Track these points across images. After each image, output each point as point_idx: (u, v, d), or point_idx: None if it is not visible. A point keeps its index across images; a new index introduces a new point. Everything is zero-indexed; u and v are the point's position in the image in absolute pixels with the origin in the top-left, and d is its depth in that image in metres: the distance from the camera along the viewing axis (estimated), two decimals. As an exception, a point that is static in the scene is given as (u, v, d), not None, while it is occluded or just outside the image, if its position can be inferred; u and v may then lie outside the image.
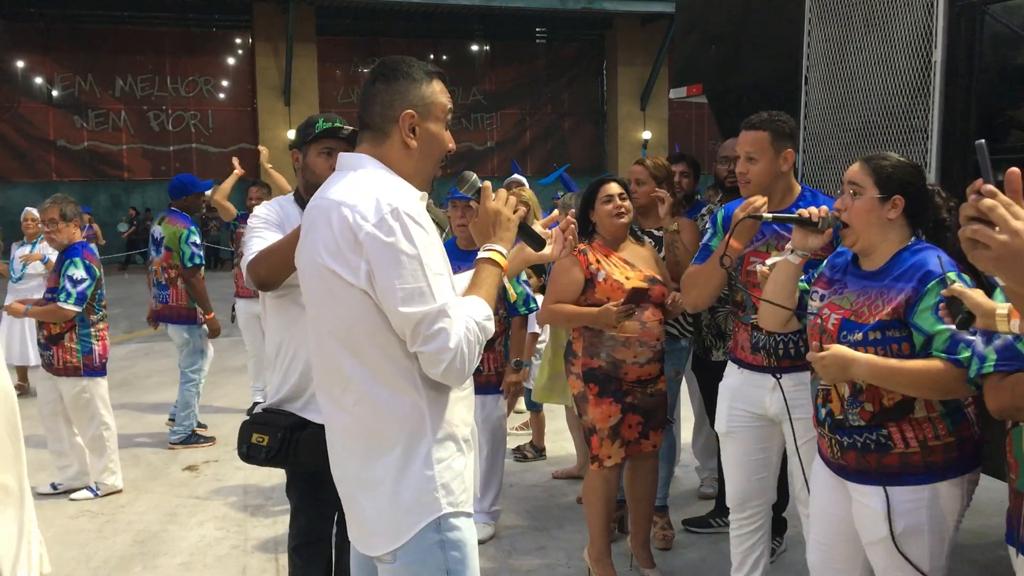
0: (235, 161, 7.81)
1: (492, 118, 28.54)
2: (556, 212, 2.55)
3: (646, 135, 27.61)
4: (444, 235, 5.04)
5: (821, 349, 2.45)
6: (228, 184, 7.65)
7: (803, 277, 2.83)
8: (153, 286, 6.73)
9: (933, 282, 2.39)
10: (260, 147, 7.00)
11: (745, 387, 3.36)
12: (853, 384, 2.51)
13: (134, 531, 4.91)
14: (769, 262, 2.82)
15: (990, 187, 1.20)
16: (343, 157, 2.11)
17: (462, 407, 2.08)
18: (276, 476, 5.20)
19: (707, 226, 3.54)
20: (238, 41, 27.13)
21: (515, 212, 2.19)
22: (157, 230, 6.68)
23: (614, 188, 3.91)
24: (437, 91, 2.08)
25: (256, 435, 2.99)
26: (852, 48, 3.69)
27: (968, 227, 1.21)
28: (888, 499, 2.46)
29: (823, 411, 2.62)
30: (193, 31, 26.60)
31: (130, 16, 25.55)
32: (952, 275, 2.37)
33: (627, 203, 3.90)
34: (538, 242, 2.31)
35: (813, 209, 2.68)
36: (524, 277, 4.89)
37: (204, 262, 6.50)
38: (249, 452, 3.02)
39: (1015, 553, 2.20)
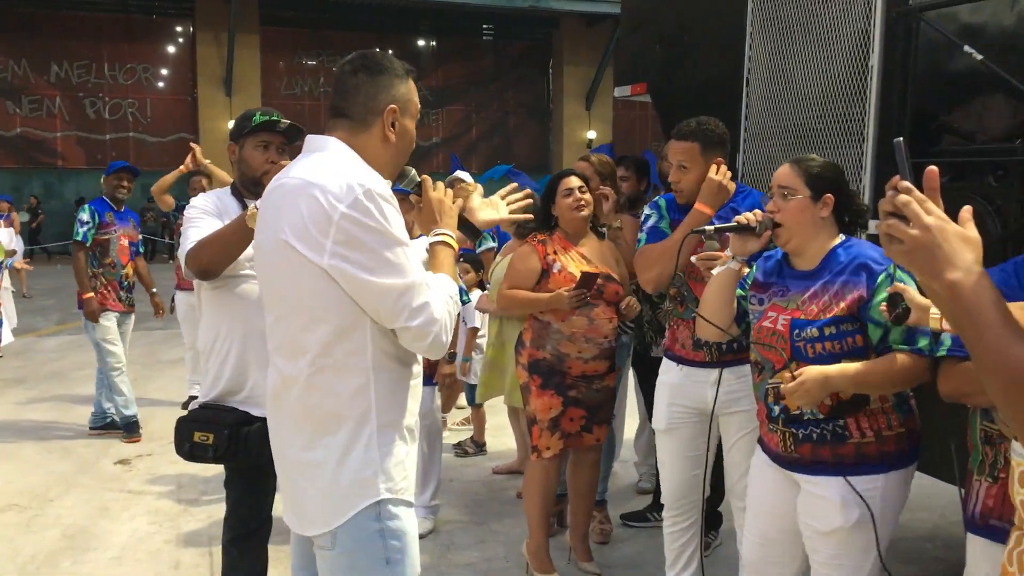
0: (193, 152, 6.54)
1: (438, 114, 28.44)
2: (514, 185, 2.70)
3: (591, 134, 27.78)
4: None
5: (792, 379, 2.45)
6: (169, 178, 7.21)
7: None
8: None
9: (882, 276, 2.48)
10: (192, 144, 6.68)
11: (686, 384, 3.37)
12: None
13: (63, 525, 4.79)
14: (715, 271, 2.84)
15: (906, 183, 1.25)
16: (311, 139, 2.12)
17: (410, 396, 2.09)
18: (211, 470, 5.10)
19: (647, 211, 3.55)
20: (179, 29, 26.60)
21: (454, 203, 2.32)
22: None
23: (574, 181, 3.95)
24: (413, 90, 2.16)
25: (199, 434, 2.93)
26: (792, 51, 3.76)
27: (884, 222, 1.26)
28: (845, 488, 2.50)
29: (776, 408, 2.62)
30: (132, 17, 26.00)
31: (67, 0, 24.90)
32: (892, 267, 2.47)
33: (587, 196, 3.95)
34: (474, 233, 2.46)
35: (749, 215, 2.72)
36: (458, 272, 4.89)
37: (88, 240, 6.28)
38: (193, 451, 2.96)
39: (965, 531, 2.26)
